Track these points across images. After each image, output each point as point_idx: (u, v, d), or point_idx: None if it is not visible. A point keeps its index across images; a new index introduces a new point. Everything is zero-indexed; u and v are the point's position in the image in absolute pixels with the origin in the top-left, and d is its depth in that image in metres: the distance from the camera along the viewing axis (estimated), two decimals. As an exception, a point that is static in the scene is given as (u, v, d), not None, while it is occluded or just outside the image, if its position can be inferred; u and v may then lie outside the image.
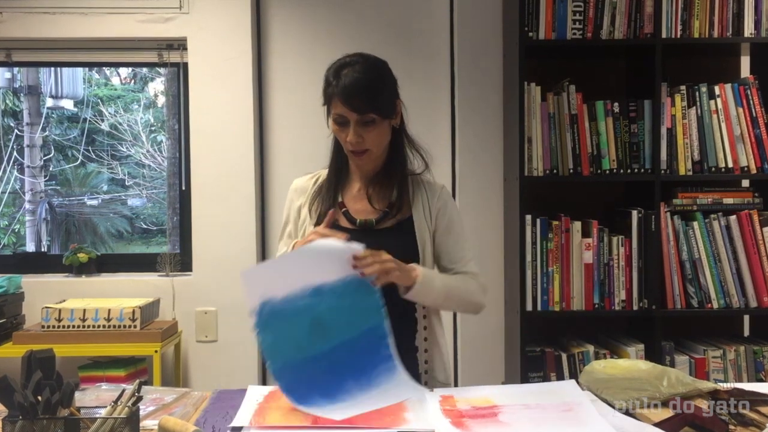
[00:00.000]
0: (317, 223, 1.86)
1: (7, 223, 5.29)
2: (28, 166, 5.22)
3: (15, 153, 4.72)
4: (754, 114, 2.87)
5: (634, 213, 2.87)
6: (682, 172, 2.89)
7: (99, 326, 3.07)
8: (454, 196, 3.31)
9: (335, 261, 1.61)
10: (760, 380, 2.84)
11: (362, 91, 1.76)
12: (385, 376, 1.61)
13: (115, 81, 6.78)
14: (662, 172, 2.88)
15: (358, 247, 1.63)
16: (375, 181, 1.90)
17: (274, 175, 3.42)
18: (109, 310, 3.08)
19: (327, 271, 1.61)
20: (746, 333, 3.15)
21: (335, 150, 1.92)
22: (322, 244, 1.63)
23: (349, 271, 1.62)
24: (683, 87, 2.89)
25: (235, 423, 1.44)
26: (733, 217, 2.86)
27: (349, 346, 1.62)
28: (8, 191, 4.94)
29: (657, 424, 1.42)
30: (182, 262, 3.49)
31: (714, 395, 1.56)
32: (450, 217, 1.91)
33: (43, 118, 5.47)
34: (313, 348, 1.61)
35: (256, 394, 1.62)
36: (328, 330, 1.61)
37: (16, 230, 5.47)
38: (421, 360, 1.88)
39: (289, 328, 1.61)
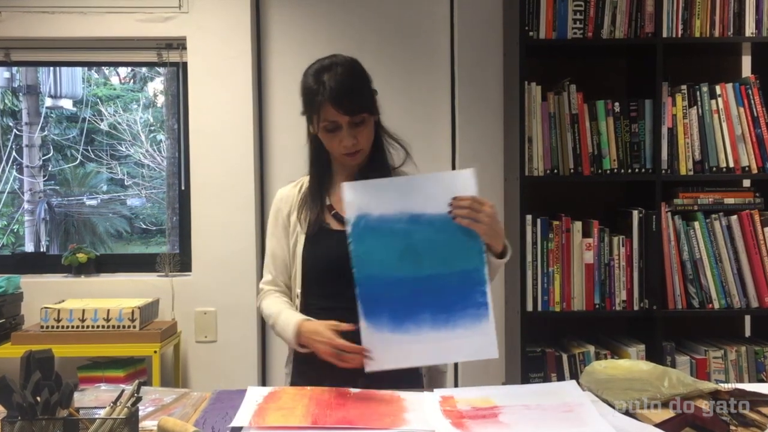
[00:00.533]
0: (308, 232, 1.86)
1: (5, 223, 5.28)
2: (27, 166, 5.20)
3: (14, 153, 4.71)
4: (755, 114, 2.86)
5: (635, 213, 2.87)
6: (683, 171, 2.88)
7: (98, 326, 3.06)
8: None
9: (442, 194, 1.68)
10: (762, 381, 2.83)
11: (350, 92, 1.76)
12: (471, 321, 1.66)
13: (114, 80, 6.77)
14: (663, 172, 2.87)
15: (470, 190, 1.68)
16: (360, 178, 1.88)
17: (273, 175, 3.42)
18: (108, 311, 3.07)
19: (431, 202, 1.68)
20: (747, 333, 3.14)
21: (314, 156, 1.90)
22: (434, 175, 1.73)
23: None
24: (684, 87, 2.88)
25: (235, 423, 1.43)
26: (734, 217, 2.85)
27: (439, 281, 1.67)
28: (7, 191, 4.93)
29: (658, 425, 1.42)
30: (182, 262, 3.48)
31: (715, 396, 1.56)
32: None
33: (42, 118, 5.46)
34: (400, 271, 1.67)
35: (255, 394, 1.61)
36: (421, 260, 1.67)
37: (15, 230, 5.46)
38: None
39: (382, 246, 1.68)
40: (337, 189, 1.88)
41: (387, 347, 1.65)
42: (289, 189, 1.97)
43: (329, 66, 1.79)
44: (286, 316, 1.82)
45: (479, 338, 1.66)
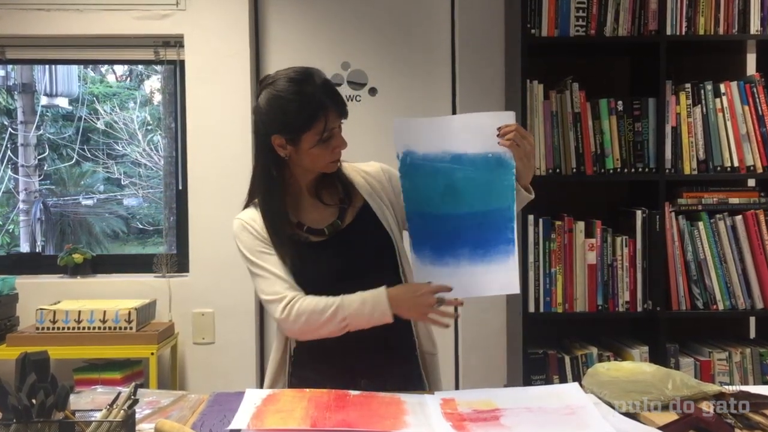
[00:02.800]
0: (291, 251, 1.78)
1: (0, 223, 5.26)
2: (23, 165, 5.19)
3: (9, 152, 4.69)
4: (760, 112, 2.84)
5: (639, 213, 2.84)
6: (687, 171, 2.86)
7: (94, 328, 3.04)
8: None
9: (483, 134, 1.73)
10: (766, 383, 2.81)
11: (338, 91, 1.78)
12: (501, 257, 1.73)
13: (111, 78, 6.74)
14: (667, 171, 2.85)
15: (508, 120, 1.74)
16: (320, 187, 1.85)
17: (272, 174, 3.39)
18: (105, 312, 3.05)
19: (472, 142, 1.74)
20: (752, 335, 3.12)
21: (268, 177, 1.80)
22: (477, 115, 1.79)
23: (494, 148, 1.72)
24: (688, 85, 2.86)
25: (233, 426, 1.43)
26: (738, 217, 2.83)
27: (477, 218, 1.75)
28: (2, 191, 4.91)
29: (662, 428, 1.42)
30: (179, 262, 3.46)
31: (719, 398, 1.55)
32: (398, 180, 1.88)
33: (37, 117, 5.44)
34: (442, 208, 1.76)
35: (254, 396, 1.60)
36: (461, 197, 1.76)
37: (10, 230, 5.44)
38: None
39: (425, 183, 1.77)
40: (298, 206, 1.83)
41: (426, 279, 1.73)
42: (253, 212, 1.86)
43: (310, 73, 1.73)
44: (363, 295, 1.69)
45: (506, 274, 1.73)
